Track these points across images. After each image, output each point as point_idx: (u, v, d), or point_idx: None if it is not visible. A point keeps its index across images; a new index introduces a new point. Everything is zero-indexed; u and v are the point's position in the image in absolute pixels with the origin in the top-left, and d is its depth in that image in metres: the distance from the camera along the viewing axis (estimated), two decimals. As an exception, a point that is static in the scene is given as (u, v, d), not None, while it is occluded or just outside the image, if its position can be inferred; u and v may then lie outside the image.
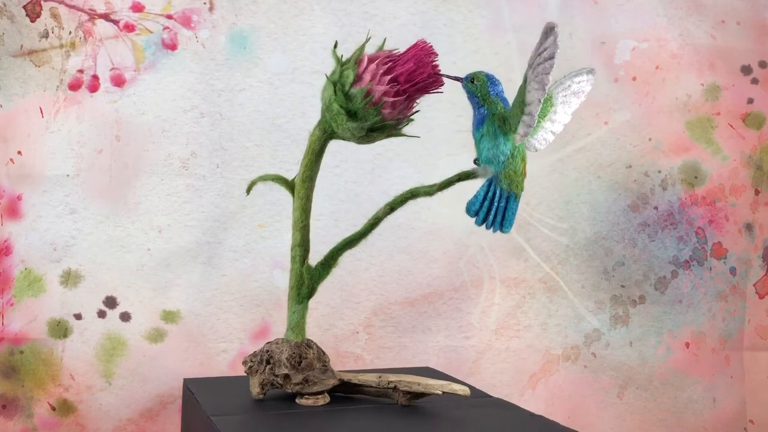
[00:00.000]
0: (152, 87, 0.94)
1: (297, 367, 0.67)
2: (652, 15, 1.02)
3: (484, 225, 0.59)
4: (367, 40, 0.64)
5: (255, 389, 0.69)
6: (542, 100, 0.53)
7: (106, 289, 0.94)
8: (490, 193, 0.58)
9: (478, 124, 0.57)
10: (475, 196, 0.58)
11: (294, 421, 0.65)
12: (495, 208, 0.58)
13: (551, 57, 0.52)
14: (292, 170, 0.98)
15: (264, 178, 0.71)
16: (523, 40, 1.00)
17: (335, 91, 0.63)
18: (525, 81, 0.55)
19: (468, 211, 0.59)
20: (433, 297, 1.00)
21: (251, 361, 0.70)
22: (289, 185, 0.69)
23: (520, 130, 0.56)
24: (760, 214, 1.04)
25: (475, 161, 0.60)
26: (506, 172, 0.58)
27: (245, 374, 0.71)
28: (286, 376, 0.68)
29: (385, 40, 0.66)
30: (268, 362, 0.69)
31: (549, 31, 0.52)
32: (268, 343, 0.70)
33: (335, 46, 0.65)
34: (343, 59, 0.65)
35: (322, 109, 0.65)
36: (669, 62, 1.02)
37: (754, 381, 1.04)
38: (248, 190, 0.70)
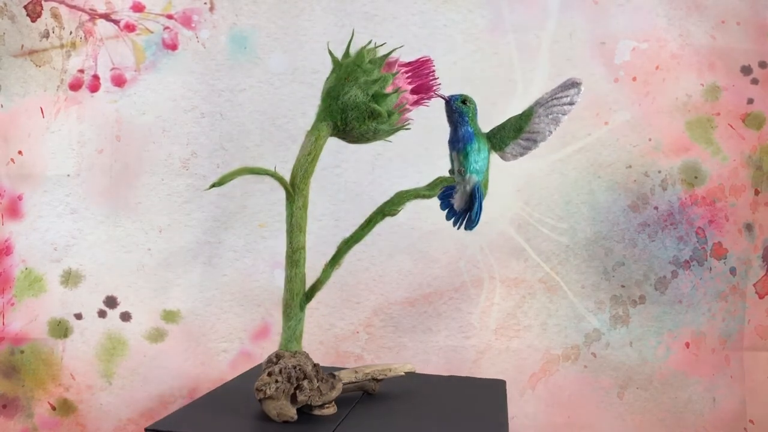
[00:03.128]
0: (153, 87, 0.95)
1: (317, 377, 0.64)
2: (652, 15, 1.02)
3: (459, 224, 0.68)
4: (397, 48, 0.65)
5: (290, 411, 0.62)
6: (552, 133, 0.65)
7: (107, 289, 0.94)
8: (481, 199, 0.66)
9: (469, 139, 0.65)
10: (478, 204, 0.66)
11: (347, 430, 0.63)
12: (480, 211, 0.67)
13: (572, 103, 0.64)
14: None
15: (258, 171, 0.65)
16: (523, 40, 1.00)
17: (375, 93, 0.64)
18: (531, 113, 0.65)
19: (478, 216, 0.67)
20: (433, 297, 1.00)
21: (276, 381, 0.62)
22: (285, 183, 0.65)
23: (514, 151, 0.66)
24: (760, 215, 1.04)
25: (460, 171, 0.67)
26: (484, 181, 0.66)
27: (262, 399, 0.63)
28: (318, 389, 0.63)
29: (381, 44, 0.66)
30: (298, 378, 0.63)
31: (574, 85, 0.64)
32: (279, 358, 0.63)
33: (368, 44, 0.65)
34: (369, 59, 0.65)
35: (341, 105, 0.64)
36: (669, 62, 1.02)
37: (754, 381, 1.04)
38: (213, 185, 0.63)
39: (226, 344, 0.96)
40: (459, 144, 0.66)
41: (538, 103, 0.65)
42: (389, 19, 0.98)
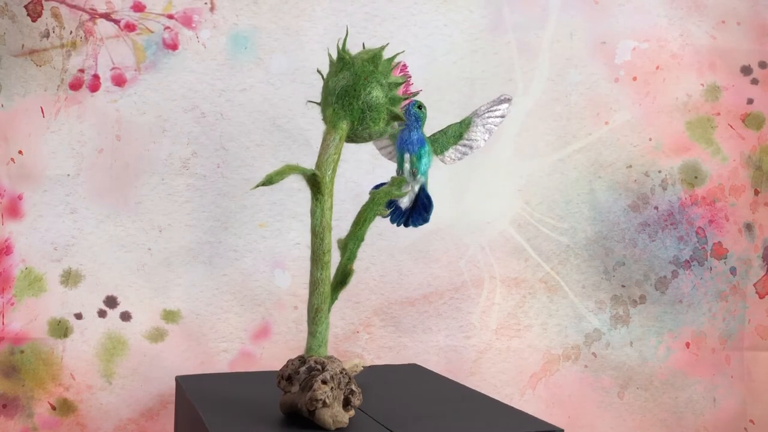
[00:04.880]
0: (153, 87, 0.94)
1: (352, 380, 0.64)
2: (653, 15, 1.02)
3: (400, 222, 0.72)
4: (400, 53, 0.66)
5: (344, 417, 0.61)
6: (486, 141, 0.72)
7: (107, 289, 0.94)
8: (429, 197, 0.71)
9: (422, 143, 0.70)
10: (430, 204, 0.71)
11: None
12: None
13: (503, 116, 0.72)
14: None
15: (303, 171, 0.62)
16: (523, 40, 1.00)
17: (393, 96, 0.65)
18: (469, 123, 0.72)
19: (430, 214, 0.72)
20: (433, 297, 1.00)
21: (331, 389, 0.61)
22: (322, 183, 0.63)
23: (453, 155, 0.72)
24: (760, 214, 1.04)
25: (413, 172, 0.71)
26: (427, 180, 0.71)
27: (316, 409, 0.61)
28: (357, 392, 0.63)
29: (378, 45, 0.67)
30: (347, 384, 0.62)
31: (506, 100, 0.72)
32: (323, 365, 0.62)
33: (384, 47, 0.65)
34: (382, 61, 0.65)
35: (361, 105, 0.64)
36: (669, 62, 1.02)
37: (754, 381, 1.04)
38: (260, 185, 0.60)
39: (226, 344, 0.96)
40: (414, 147, 0.70)
41: (476, 114, 0.72)
42: (389, 19, 0.98)
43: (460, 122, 0.72)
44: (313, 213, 0.64)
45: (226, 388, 0.77)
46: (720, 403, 1.04)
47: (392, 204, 0.71)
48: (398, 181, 0.70)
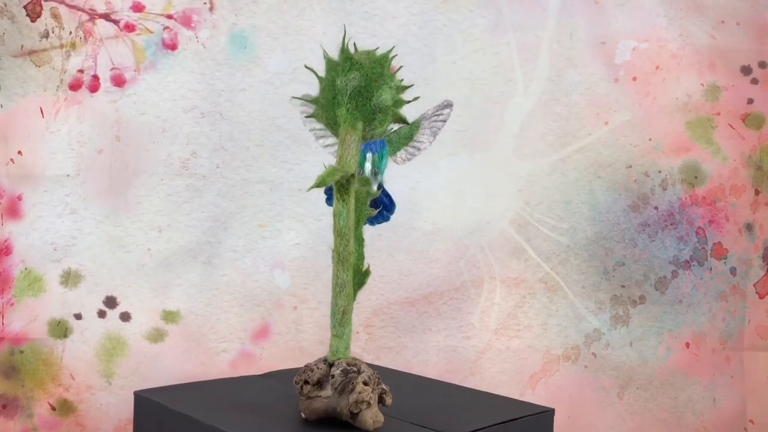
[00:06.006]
0: (152, 87, 0.94)
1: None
2: (653, 15, 1.02)
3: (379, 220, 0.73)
4: (396, 57, 0.66)
5: (381, 417, 0.61)
6: (431, 143, 0.73)
7: (107, 289, 0.94)
8: (390, 197, 0.73)
9: (383, 144, 0.71)
10: (392, 203, 0.73)
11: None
12: None
13: (445, 121, 0.73)
14: (293, 170, 0.98)
15: (346, 172, 0.63)
16: (523, 40, 1.00)
17: (398, 99, 0.65)
18: (417, 125, 0.73)
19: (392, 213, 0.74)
20: (433, 297, 1.00)
21: (372, 391, 0.61)
22: (353, 186, 0.64)
23: (403, 155, 0.73)
24: (760, 214, 1.04)
25: (375, 172, 0.72)
26: (383, 180, 0.72)
27: (360, 411, 0.60)
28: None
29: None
30: (378, 384, 0.62)
31: (448, 105, 0.73)
32: (358, 367, 0.62)
33: (391, 50, 0.65)
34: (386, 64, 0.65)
35: (373, 107, 0.63)
36: (669, 62, 1.02)
37: (754, 381, 1.04)
38: (313, 187, 0.61)
39: (226, 344, 0.96)
40: (377, 147, 0.70)
41: (424, 117, 0.73)
42: (389, 19, 0.98)
43: (411, 124, 0.72)
44: (339, 214, 0.64)
45: (213, 395, 0.73)
46: (720, 403, 1.04)
47: (374, 203, 0.71)
48: (366, 181, 0.69)
